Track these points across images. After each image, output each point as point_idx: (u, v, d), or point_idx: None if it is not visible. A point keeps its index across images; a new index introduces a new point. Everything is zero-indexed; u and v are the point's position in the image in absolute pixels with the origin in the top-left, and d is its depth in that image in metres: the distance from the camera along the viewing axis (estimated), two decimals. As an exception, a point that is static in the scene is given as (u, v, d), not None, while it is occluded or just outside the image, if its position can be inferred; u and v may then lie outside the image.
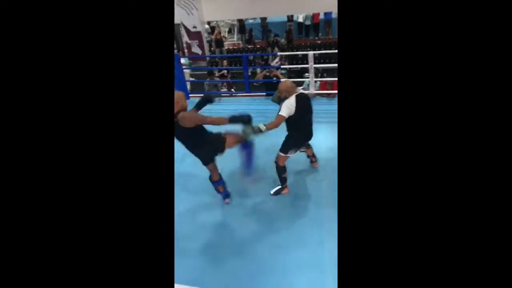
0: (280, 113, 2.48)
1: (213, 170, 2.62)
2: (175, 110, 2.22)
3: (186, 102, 2.33)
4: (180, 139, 2.33)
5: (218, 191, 2.74)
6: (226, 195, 2.80)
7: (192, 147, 2.42)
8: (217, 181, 2.66)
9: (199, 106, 2.58)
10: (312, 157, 3.19)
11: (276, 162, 2.76)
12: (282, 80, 2.79)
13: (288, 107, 2.47)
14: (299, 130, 2.64)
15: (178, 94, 2.29)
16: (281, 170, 2.78)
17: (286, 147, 2.69)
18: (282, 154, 2.71)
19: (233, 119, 2.37)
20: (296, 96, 2.53)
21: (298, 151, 2.80)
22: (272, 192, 2.88)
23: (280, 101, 2.60)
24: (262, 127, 2.46)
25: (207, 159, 2.51)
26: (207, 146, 2.41)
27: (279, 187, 2.88)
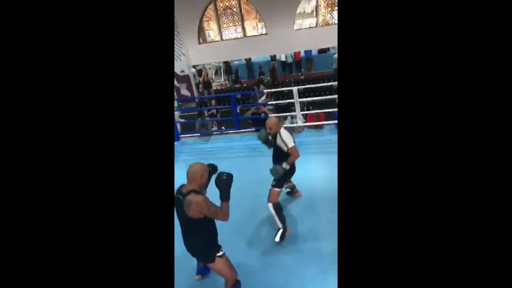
0: (291, 146, 2.55)
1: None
2: (191, 187, 1.81)
3: (205, 176, 1.89)
4: (180, 221, 1.87)
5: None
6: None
7: (189, 235, 1.93)
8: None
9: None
10: (294, 188, 3.26)
11: (271, 203, 2.64)
12: (269, 116, 2.85)
13: (290, 137, 2.57)
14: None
15: (201, 167, 1.85)
16: (278, 208, 2.67)
17: (282, 180, 2.68)
18: (277, 189, 2.67)
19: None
20: (285, 128, 2.67)
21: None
22: (277, 239, 2.64)
23: (268, 137, 2.66)
24: (286, 165, 2.55)
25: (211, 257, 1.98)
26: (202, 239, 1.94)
27: (281, 230, 2.66)
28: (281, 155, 2.61)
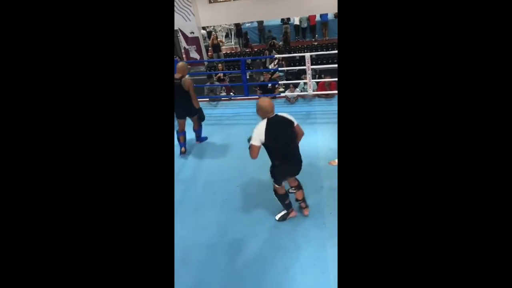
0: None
1: (182, 124, 3.64)
2: (180, 75, 3.37)
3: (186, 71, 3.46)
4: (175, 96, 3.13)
5: (179, 140, 3.69)
6: (183, 145, 3.72)
7: (177, 103, 3.18)
8: (181, 132, 3.69)
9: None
10: (302, 202, 2.67)
11: (274, 191, 2.58)
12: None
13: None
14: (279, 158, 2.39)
15: (183, 64, 3.48)
16: (281, 198, 2.59)
17: (277, 176, 2.47)
18: (277, 186, 2.52)
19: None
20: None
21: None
22: (277, 217, 2.67)
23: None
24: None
25: (182, 115, 3.57)
26: (187, 107, 3.51)
27: (285, 212, 2.66)
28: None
